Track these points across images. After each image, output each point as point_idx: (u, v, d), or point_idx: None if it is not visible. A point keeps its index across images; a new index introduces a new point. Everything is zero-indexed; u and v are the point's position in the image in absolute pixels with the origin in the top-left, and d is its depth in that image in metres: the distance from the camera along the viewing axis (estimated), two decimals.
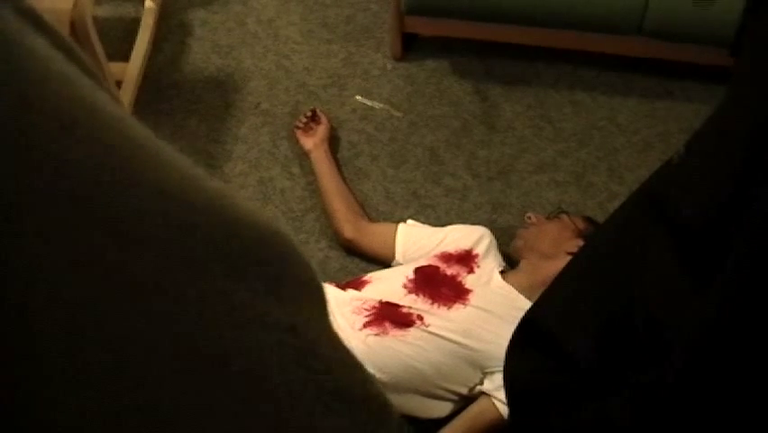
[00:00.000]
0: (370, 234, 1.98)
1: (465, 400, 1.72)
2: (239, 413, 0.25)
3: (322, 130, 2.15)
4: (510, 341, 1.02)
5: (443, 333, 1.66)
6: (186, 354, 0.24)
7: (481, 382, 1.69)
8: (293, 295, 0.29)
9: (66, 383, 0.22)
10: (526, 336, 0.98)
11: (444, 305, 1.71)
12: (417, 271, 1.78)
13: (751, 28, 0.70)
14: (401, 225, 1.96)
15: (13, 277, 0.21)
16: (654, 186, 0.83)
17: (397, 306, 1.70)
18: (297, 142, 2.18)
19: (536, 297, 1.20)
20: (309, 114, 2.17)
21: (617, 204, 1.04)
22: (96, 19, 2.05)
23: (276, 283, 0.28)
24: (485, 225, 1.95)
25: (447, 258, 1.82)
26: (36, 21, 0.24)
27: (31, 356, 0.21)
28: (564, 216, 1.91)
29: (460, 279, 1.77)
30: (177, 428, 0.24)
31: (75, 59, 0.25)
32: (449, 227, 1.94)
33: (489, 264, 1.83)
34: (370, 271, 1.89)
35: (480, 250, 1.85)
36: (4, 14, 0.22)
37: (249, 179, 2.16)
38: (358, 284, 1.79)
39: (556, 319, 0.94)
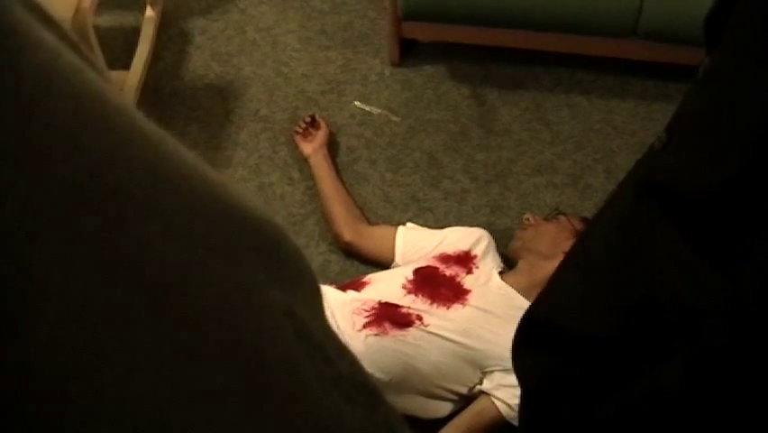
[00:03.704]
0: (369, 238, 1.99)
1: (465, 400, 1.73)
2: (243, 395, 0.25)
3: (321, 135, 2.17)
4: (513, 344, 1.00)
5: (442, 333, 1.68)
6: (187, 335, 0.24)
7: (481, 382, 1.70)
8: (289, 282, 0.30)
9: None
10: (532, 336, 0.97)
11: (443, 305, 1.72)
12: (416, 271, 1.80)
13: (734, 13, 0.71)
14: (400, 228, 1.98)
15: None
16: (642, 174, 0.83)
17: (397, 306, 1.71)
18: (297, 147, 2.20)
19: (535, 296, 1.21)
20: (308, 119, 2.19)
21: None
22: (96, 28, 2.08)
23: (272, 270, 0.29)
24: (483, 228, 1.96)
25: (446, 259, 1.84)
26: (43, 16, 0.25)
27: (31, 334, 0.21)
28: (562, 217, 1.92)
29: (459, 279, 1.78)
30: (182, 413, 0.24)
31: (80, 54, 0.26)
32: (447, 229, 1.96)
33: (488, 265, 1.85)
34: (370, 273, 1.91)
35: (478, 251, 1.86)
36: (12, 8, 0.23)
37: (249, 184, 2.18)
38: (357, 285, 1.80)
39: (566, 316, 0.92)
